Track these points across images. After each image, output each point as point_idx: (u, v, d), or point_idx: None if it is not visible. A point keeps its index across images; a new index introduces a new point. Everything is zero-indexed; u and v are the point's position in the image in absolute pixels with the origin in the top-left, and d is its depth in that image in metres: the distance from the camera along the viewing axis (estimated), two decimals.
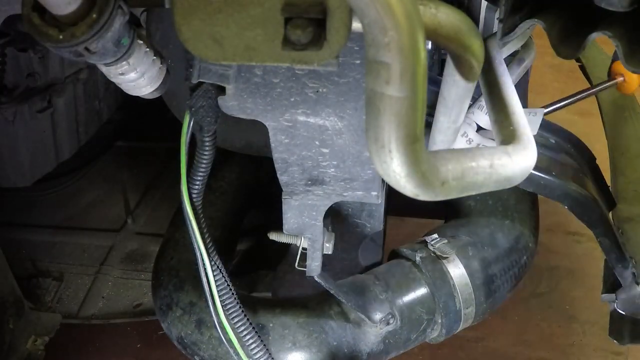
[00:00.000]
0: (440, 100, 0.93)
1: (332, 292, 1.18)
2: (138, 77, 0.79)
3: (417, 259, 1.28)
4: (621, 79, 1.47)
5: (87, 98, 2.21)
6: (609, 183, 1.42)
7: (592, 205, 1.21)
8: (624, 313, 1.31)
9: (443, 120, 0.95)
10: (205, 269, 1.03)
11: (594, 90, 1.47)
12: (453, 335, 1.31)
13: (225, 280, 1.05)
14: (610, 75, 1.49)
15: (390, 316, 1.23)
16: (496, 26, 0.97)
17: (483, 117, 1.13)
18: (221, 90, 0.91)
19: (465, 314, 1.28)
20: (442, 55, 1.50)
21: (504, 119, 0.83)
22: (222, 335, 1.08)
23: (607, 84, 1.48)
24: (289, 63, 0.66)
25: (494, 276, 1.31)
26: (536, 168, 1.16)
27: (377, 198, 1.06)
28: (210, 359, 1.25)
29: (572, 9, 0.90)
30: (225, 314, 1.06)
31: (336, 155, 0.98)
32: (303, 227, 1.08)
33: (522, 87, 1.71)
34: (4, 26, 1.38)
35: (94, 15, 0.66)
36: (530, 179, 1.16)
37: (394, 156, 0.58)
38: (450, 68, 0.84)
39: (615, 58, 1.53)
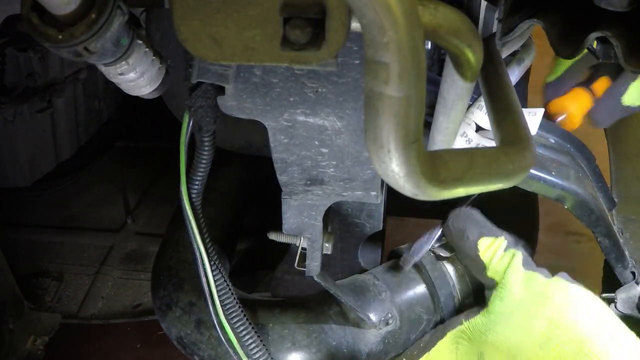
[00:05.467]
0: (439, 100, 0.93)
1: (331, 292, 1.18)
2: (137, 77, 0.79)
3: None
4: (563, 117, 1.43)
5: (87, 98, 2.22)
6: (609, 183, 1.42)
7: (592, 205, 1.21)
8: (623, 313, 1.31)
9: (442, 120, 0.95)
10: (204, 269, 1.03)
11: None
12: None
13: (224, 280, 1.05)
14: (550, 117, 1.45)
15: (389, 316, 1.23)
16: (495, 26, 0.97)
17: (482, 117, 1.13)
18: (220, 90, 0.91)
19: None
20: (441, 55, 1.50)
21: (503, 119, 0.83)
22: (221, 335, 1.08)
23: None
24: (288, 63, 0.66)
25: None
26: (536, 168, 1.17)
27: (376, 198, 1.06)
28: (209, 358, 1.25)
29: (571, 9, 0.90)
30: (224, 313, 1.06)
31: (335, 155, 0.98)
32: (302, 227, 1.08)
33: (522, 87, 1.72)
34: (3, 26, 1.38)
35: (93, 16, 0.66)
36: (529, 178, 1.16)
37: (392, 156, 0.58)
38: (449, 68, 0.84)
39: (548, 99, 1.48)
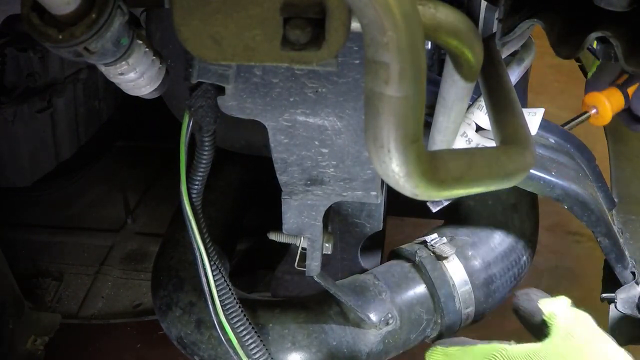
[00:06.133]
0: (439, 100, 0.93)
1: (331, 292, 1.18)
2: (137, 77, 0.79)
3: (417, 259, 1.28)
4: (594, 111, 1.46)
5: (87, 98, 2.22)
6: (609, 183, 1.42)
7: (592, 205, 1.21)
8: (623, 313, 1.31)
9: (442, 120, 0.95)
10: (204, 269, 1.03)
11: (568, 127, 1.46)
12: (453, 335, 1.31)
13: (224, 280, 1.05)
14: (582, 108, 1.48)
15: (389, 316, 1.23)
16: (496, 26, 0.97)
17: (482, 117, 1.13)
18: (220, 90, 0.91)
19: (465, 314, 1.28)
20: (441, 55, 1.50)
21: (503, 119, 0.83)
22: (221, 335, 1.08)
23: (579, 119, 1.47)
24: (288, 63, 0.66)
25: (493, 276, 1.31)
26: (536, 168, 1.17)
27: (376, 198, 1.06)
28: (209, 358, 1.25)
29: (571, 8, 0.90)
30: (224, 314, 1.06)
31: (335, 155, 0.98)
32: (302, 227, 1.08)
33: (522, 87, 1.72)
34: (3, 26, 1.38)
35: (94, 15, 0.66)
36: (529, 178, 1.16)
37: (392, 156, 0.58)
38: (449, 68, 0.84)
39: (587, 90, 1.51)
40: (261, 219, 1.80)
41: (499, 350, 0.99)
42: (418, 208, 1.45)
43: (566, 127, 1.44)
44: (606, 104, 1.44)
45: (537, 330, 1.05)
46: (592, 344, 0.98)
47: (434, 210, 1.30)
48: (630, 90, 1.46)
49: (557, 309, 1.03)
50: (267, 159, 1.04)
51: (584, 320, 1.02)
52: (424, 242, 1.32)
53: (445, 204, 1.30)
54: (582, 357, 0.95)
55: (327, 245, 1.11)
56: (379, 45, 0.54)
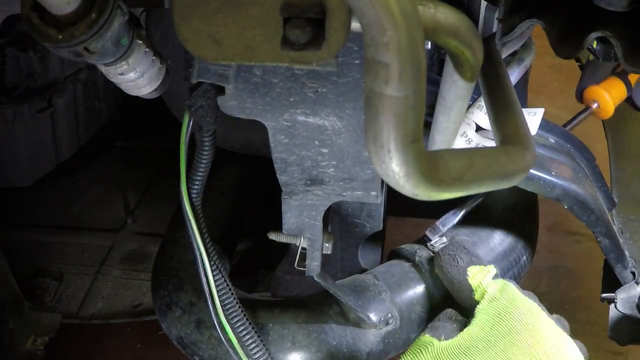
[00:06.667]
0: (439, 100, 0.93)
1: (331, 292, 1.18)
2: (137, 77, 0.79)
3: (417, 259, 1.28)
4: (595, 106, 1.43)
5: (87, 98, 2.21)
6: (609, 183, 1.42)
7: (592, 205, 1.21)
8: (623, 313, 1.31)
9: (442, 120, 0.95)
10: (204, 269, 1.03)
11: (573, 124, 1.44)
12: None
13: (224, 280, 1.05)
14: (583, 103, 1.46)
15: (389, 316, 1.23)
16: (496, 26, 0.97)
17: (482, 117, 1.13)
18: (220, 90, 0.91)
19: None
20: (441, 55, 1.50)
21: (503, 119, 0.83)
22: (221, 335, 1.08)
23: (582, 115, 1.44)
24: (288, 63, 0.66)
25: None
26: (536, 168, 1.17)
27: (376, 198, 1.06)
28: (209, 358, 1.25)
29: (571, 8, 0.90)
30: (224, 314, 1.06)
31: (335, 155, 0.98)
32: (302, 227, 1.08)
33: (522, 87, 1.72)
34: (3, 26, 1.39)
35: (94, 15, 0.66)
36: (529, 178, 1.16)
37: (392, 156, 0.58)
38: (449, 68, 0.84)
39: (584, 85, 1.48)
40: (261, 219, 1.80)
41: (427, 344, 0.99)
42: (418, 208, 1.45)
43: (570, 125, 1.43)
44: (606, 97, 1.41)
45: (463, 299, 1.06)
46: (522, 326, 0.98)
47: (433, 239, 1.28)
48: (632, 77, 1.42)
49: (486, 283, 1.04)
50: (267, 159, 1.04)
51: (512, 297, 1.02)
52: (424, 242, 1.32)
53: (444, 230, 1.29)
54: (509, 345, 0.95)
55: (327, 245, 1.11)
56: (379, 45, 0.54)
